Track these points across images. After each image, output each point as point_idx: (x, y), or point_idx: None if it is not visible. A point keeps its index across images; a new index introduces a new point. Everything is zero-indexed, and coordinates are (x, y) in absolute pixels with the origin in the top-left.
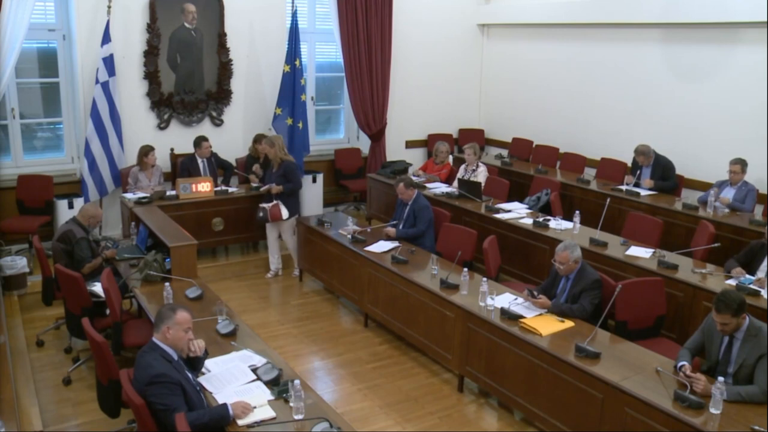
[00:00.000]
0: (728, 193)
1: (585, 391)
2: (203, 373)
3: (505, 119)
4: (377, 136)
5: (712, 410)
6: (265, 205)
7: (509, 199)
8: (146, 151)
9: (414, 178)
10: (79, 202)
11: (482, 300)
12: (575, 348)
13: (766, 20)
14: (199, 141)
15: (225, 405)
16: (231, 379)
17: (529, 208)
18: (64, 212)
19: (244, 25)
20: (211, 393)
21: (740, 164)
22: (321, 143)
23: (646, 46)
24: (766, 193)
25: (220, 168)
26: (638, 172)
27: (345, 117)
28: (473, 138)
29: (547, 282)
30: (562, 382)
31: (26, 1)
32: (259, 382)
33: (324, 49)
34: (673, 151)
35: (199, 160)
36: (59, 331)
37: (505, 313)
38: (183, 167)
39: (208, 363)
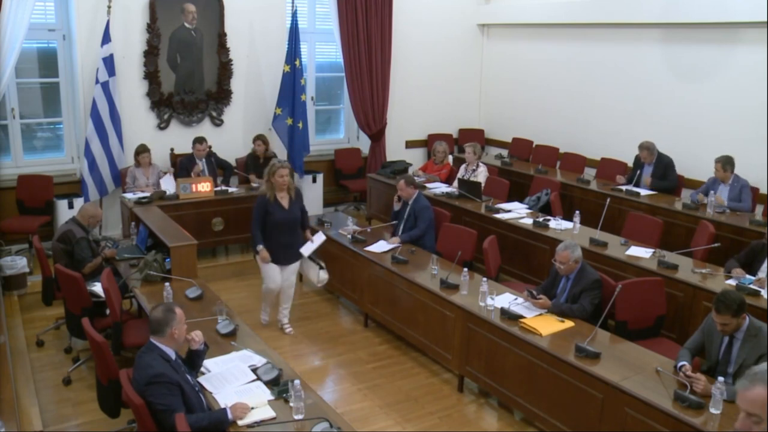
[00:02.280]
0: (722, 192)
1: (585, 391)
2: (203, 373)
3: (505, 119)
4: (377, 136)
5: (712, 410)
6: (313, 246)
7: (509, 199)
8: (138, 150)
9: (415, 179)
10: (79, 202)
11: (482, 300)
12: (575, 348)
13: (766, 20)
14: (194, 142)
15: (224, 410)
16: (231, 379)
17: (529, 208)
18: (64, 212)
19: (244, 25)
20: (210, 393)
21: (721, 162)
22: (321, 143)
23: (646, 46)
24: (766, 192)
25: (219, 168)
26: (638, 171)
27: (345, 117)
28: (473, 138)
29: (547, 282)
30: (562, 382)
31: (26, 1)
32: (259, 382)
33: (324, 49)
34: (673, 150)
35: (198, 160)
36: (59, 331)
37: (505, 313)
38: (182, 166)
39: (208, 363)
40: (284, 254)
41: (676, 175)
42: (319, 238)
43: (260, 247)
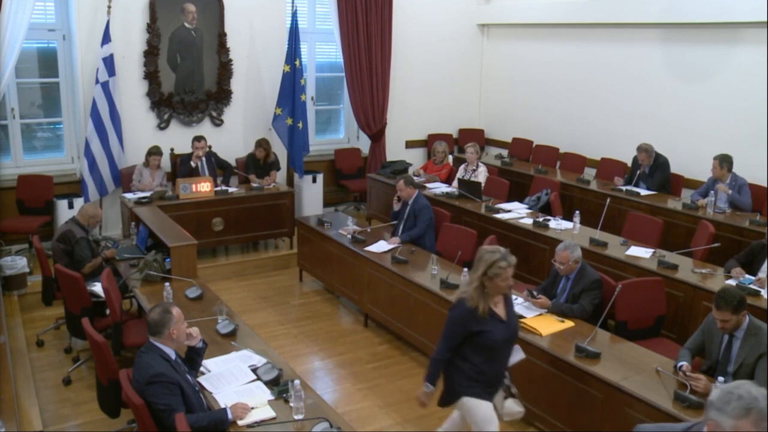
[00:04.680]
0: (721, 193)
1: (585, 391)
2: (203, 373)
3: (505, 119)
4: (377, 136)
5: None
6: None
7: (509, 199)
8: (152, 151)
9: (414, 179)
10: (79, 202)
11: None
12: (575, 348)
13: (766, 20)
14: (192, 141)
15: (224, 410)
16: (231, 379)
17: (529, 208)
18: (64, 212)
19: (244, 25)
20: (210, 393)
21: (718, 159)
22: (321, 143)
23: (646, 46)
24: (766, 192)
25: (219, 168)
26: (637, 172)
27: (345, 117)
28: (473, 138)
29: (547, 282)
30: (562, 382)
31: (26, 1)
32: (259, 382)
33: (324, 49)
34: (673, 151)
35: (196, 159)
36: (59, 331)
37: None
38: (183, 163)
39: (208, 363)
40: (495, 386)
41: (665, 176)
42: (517, 355)
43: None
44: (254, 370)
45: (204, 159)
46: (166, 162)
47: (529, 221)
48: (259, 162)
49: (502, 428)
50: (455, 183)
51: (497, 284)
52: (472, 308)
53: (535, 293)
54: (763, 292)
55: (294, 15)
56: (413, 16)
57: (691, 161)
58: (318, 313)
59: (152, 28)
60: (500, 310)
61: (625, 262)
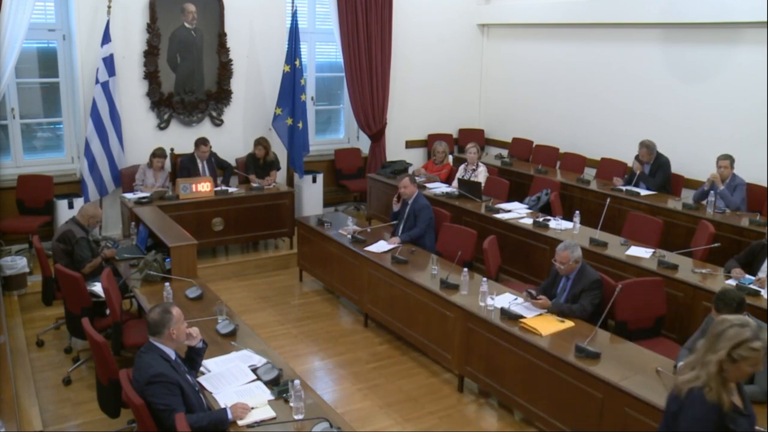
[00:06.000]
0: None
1: (585, 391)
2: (203, 373)
3: (505, 119)
4: (377, 136)
5: None
6: None
7: (509, 199)
8: (156, 153)
9: (415, 178)
10: (79, 202)
11: (482, 300)
12: (575, 348)
13: (766, 20)
14: (197, 143)
15: (224, 410)
16: (231, 379)
17: (529, 208)
18: (64, 212)
19: (244, 25)
20: (210, 393)
21: (729, 159)
22: (321, 143)
23: (646, 46)
24: (766, 192)
25: (219, 168)
26: (637, 172)
27: (345, 117)
28: (473, 138)
29: (547, 282)
30: (562, 382)
31: (26, 1)
32: (259, 382)
33: (324, 49)
34: (673, 151)
35: (198, 160)
36: (59, 331)
37: (505, 313)
38: (183, 166)
39: (208, 363)
40: None
41: (666, 176)
42: None
43: None
44: (254, 370)
45: (204, 159)
46: (167, 163)
47: (529, 221)
48: (259, 161)
49: (500, 428)
50: (455, 183)
51: (742, 369)
52: (713, 403)
53: (534, 293)
54: (763, 292)
55: (294, 15)
56: (413, 16)
57: (691, 161)
58: (318, 313)
59: (152, 28)
60: (737, 399)
61: (625, 262)
